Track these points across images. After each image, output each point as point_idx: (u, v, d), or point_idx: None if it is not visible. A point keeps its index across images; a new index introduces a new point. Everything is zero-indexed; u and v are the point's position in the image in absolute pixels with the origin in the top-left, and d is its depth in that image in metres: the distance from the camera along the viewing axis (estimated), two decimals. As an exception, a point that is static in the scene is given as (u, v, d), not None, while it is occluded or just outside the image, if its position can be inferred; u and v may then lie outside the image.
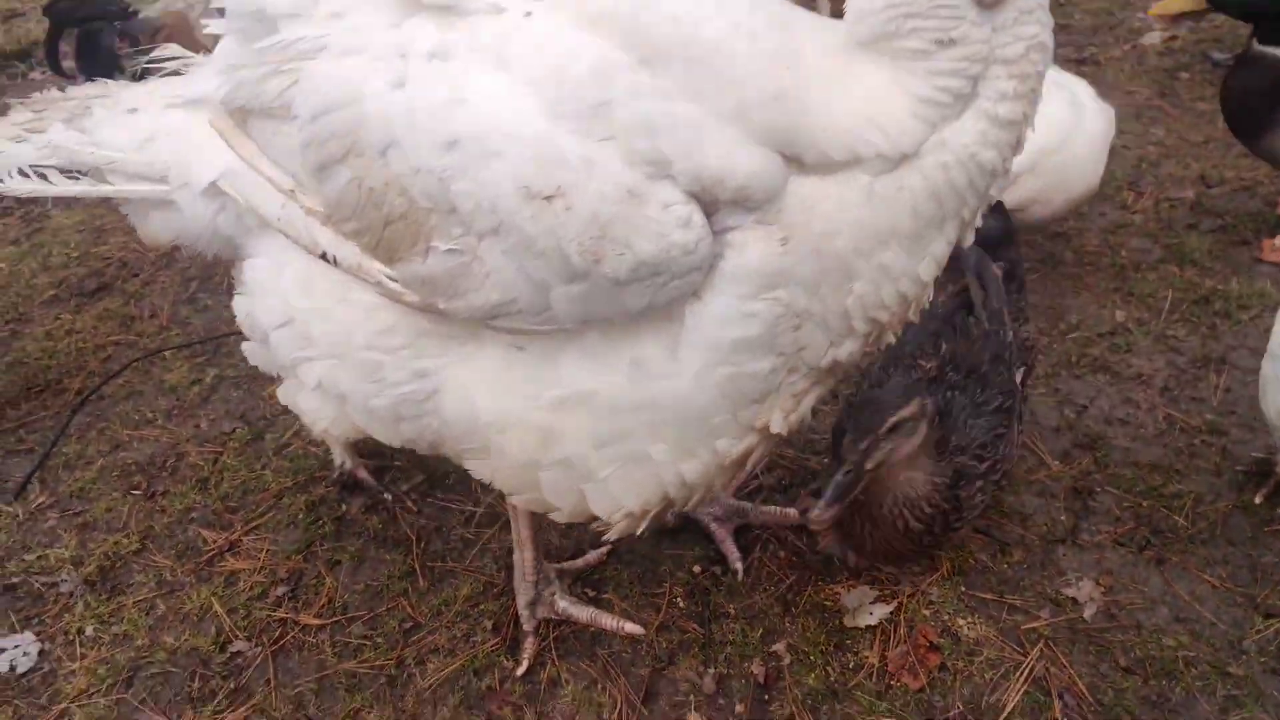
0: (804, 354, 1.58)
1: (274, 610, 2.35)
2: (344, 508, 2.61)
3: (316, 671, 2.20)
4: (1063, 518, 2.35)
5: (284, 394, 1.95)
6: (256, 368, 2.00)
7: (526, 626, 2.19)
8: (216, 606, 2.35)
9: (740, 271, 1.47)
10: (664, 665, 2.13)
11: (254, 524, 2.59)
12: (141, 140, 1.87)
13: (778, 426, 1.64)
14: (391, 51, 1.54)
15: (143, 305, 3.56)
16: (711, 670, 2.10)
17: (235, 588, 2.41)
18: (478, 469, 1.82)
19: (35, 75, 5.58)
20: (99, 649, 2.28)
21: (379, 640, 2.25)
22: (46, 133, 1.95)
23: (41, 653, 2.30)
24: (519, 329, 1.57)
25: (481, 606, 2.30)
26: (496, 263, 1.49)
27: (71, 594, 2.44)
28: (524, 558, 2.18)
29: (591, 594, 2.29)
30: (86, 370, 3.26)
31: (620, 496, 1.70)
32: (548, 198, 1.41)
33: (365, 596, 2.36)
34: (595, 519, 1.79)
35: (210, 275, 3.67)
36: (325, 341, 1.72)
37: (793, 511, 2.39)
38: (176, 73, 2.03)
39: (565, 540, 2.44)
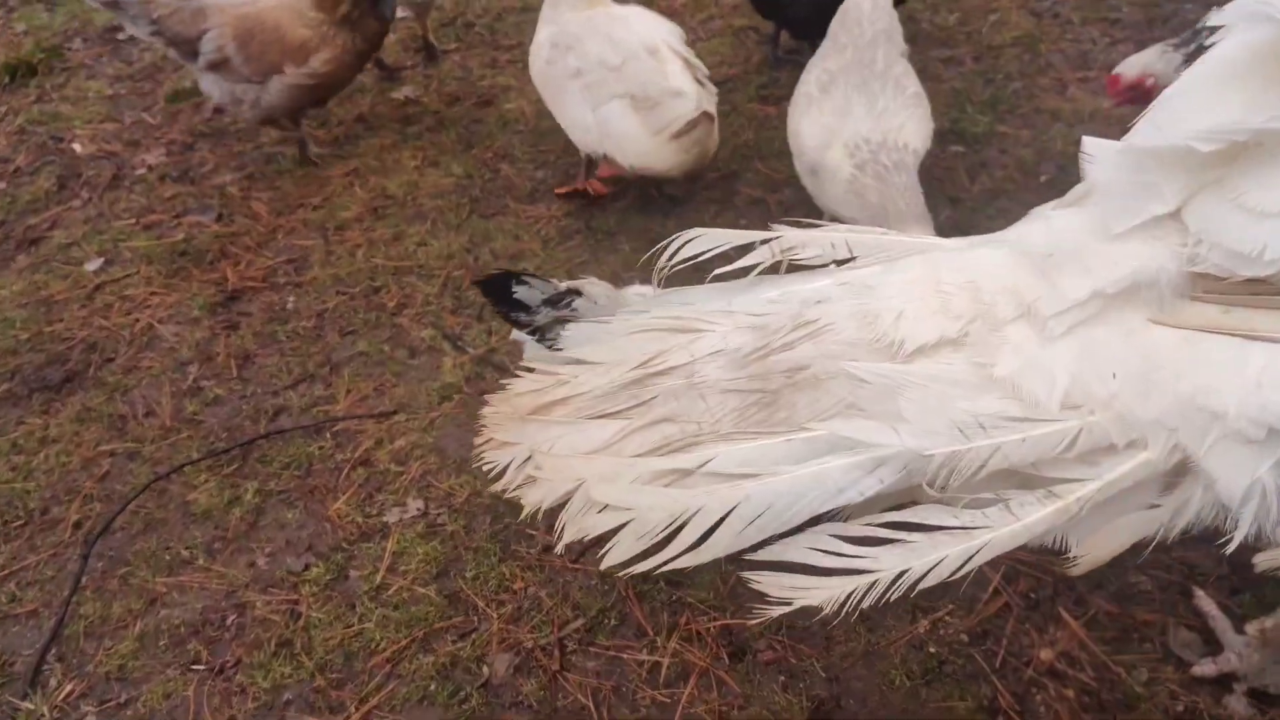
0: None
1: (439, 830, 1.79)
2: (486, 670, 2.05)
3: None
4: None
5: None
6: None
7: None
8: (361, 834, 1.78)
9: None
10: None
11: (373, 702, 2.01)
12: (1062, 398, 1.13)
13: None
14: None
15: (133, 400, 2.88)
16: None
17: (376, 801, 1.84)
18: None
19: None
20: None
21: None
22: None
23: None
24: None
25: (716, 801, 1.79)
26: None
27: (148, 830, 1.83)
28: None
29: (850, 770, 1.82)
30: (81, 494, 2.58)
31: None
32: None
33: (556, 799, 1.83)
34: None
35: (210, 355, 3.01)
36: None
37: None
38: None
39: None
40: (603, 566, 1.16)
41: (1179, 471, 1.14)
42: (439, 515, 2.42)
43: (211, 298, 3.25)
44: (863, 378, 1.16)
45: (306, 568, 2.32)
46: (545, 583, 2.23)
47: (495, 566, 2.27)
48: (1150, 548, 1.21)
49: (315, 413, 2.77)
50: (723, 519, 1.11)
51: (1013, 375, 1.16)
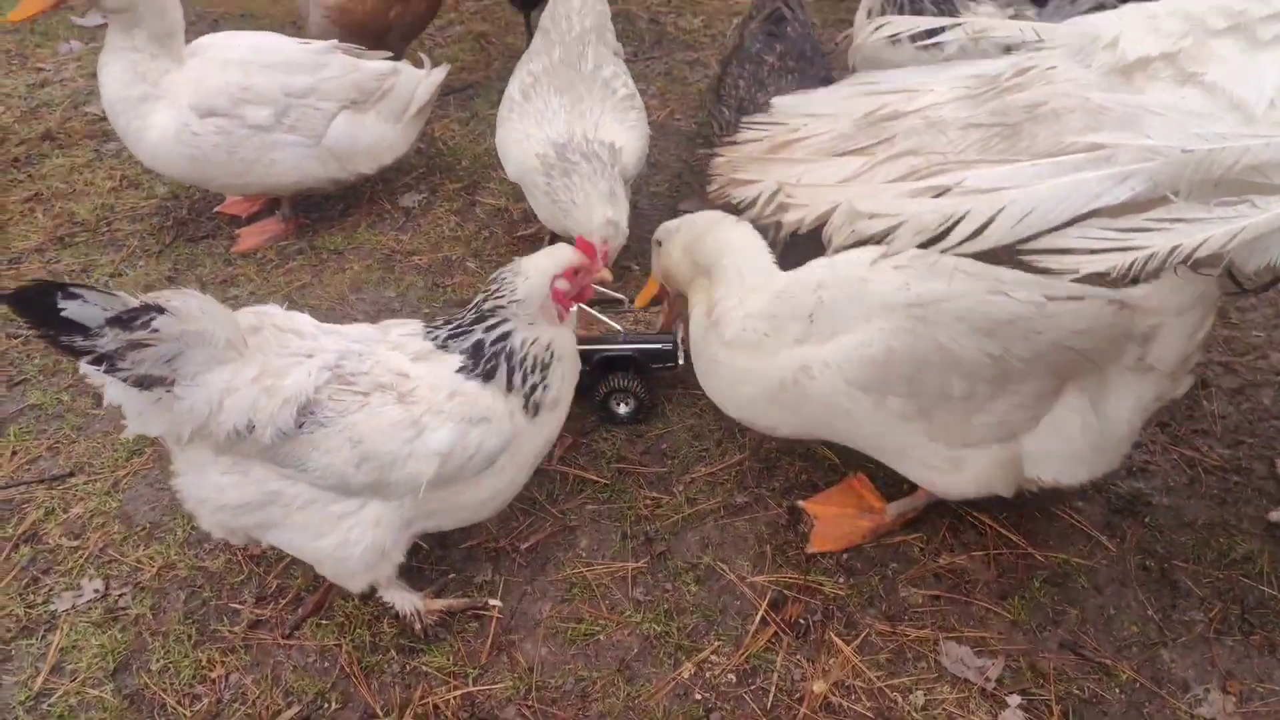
0: None
1: None
2: None
3: None
4: (1150, 612, 1.93)
5: None
6: None
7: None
8: None
9: None
10: None
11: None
12: (1269, 103, 1.23)
13: None
14: None
15: None
16: None
17: None
18: None
19: None
20: None
21: None
22: None
23: None
24: None
25: None
26: None
27: None
28: None
29: None
30: None
31: None
32: None
33: None
34: None
35: None
36: None
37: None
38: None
39: None
40: (885, 255, 1.33)
41: None
42: (121, 596, 2.01)
43: None
44: (1105, 105, 1.25)
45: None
46: (251, 666, 1.87)
47: (189, 653, 1.89)
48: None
49: (-31, 483, 2.28)
50: (992, 218, 1.21)
51: (1223, 81, 1.24)
